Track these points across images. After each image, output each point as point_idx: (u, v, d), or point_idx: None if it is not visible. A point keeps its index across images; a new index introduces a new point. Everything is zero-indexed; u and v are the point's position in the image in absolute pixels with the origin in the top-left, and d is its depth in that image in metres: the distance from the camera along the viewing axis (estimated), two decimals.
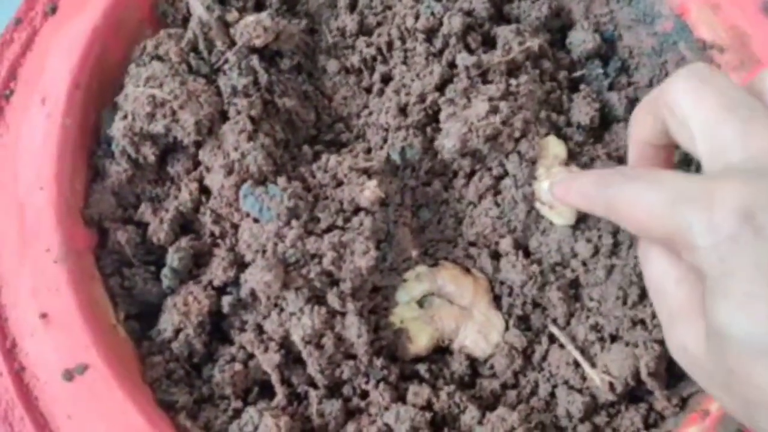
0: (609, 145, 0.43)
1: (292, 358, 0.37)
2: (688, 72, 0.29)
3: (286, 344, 0.37)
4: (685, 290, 0.29)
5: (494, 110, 0.38)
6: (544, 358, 0.39)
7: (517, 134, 0.39)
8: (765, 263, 0.23)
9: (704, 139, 0.27)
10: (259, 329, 0.37)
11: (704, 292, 0.25)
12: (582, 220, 0.40)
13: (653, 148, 0.33)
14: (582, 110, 0.42)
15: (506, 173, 0.40)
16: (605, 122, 0.45)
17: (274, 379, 0.36)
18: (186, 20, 0.42)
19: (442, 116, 0.40)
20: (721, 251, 0.24)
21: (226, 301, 0.37)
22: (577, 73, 0.45)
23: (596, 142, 0.43)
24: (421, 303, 0.40)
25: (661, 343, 0.37)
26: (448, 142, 0.39)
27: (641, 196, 0.28)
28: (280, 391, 0.36)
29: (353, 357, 0.37)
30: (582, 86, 0.44)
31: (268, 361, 0.36)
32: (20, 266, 0.35)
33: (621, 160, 0.42)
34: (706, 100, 0.27)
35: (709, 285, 0.25)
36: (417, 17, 0.43)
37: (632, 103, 0.45)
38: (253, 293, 0.36)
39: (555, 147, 0.40)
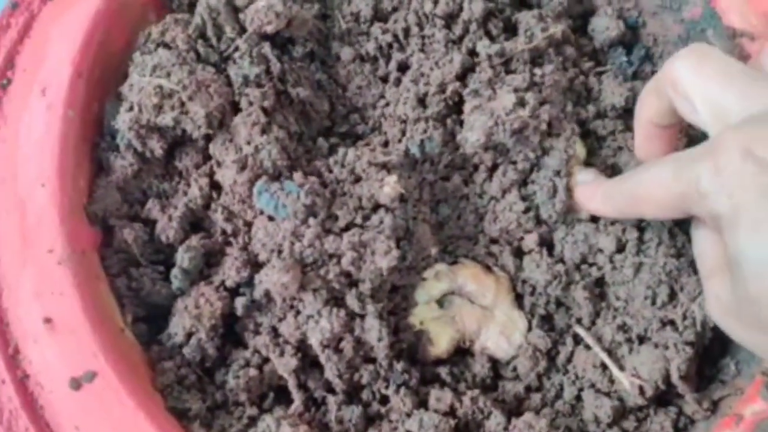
0: None
1: (308, 362, 0.35)
2: (687, 50, 0.31)
3: (302, 348, 0.35)
4: (718, 251, 0.31)
5: (521, 102, 0.37)
6: (569, 359, 0.38)
7: (543, 127, 0.37)
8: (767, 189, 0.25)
9: (706, 109, 0.29)
10: (275, 332, 0.35)
11: (723, 235, 0.27)
12: None
13: (658, 128, 0.35)
14: (615, 91, 0.41)
15: (534, 167, 0.38)
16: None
17: (291, 384, 0.35)
18: (193, 5, 0.40)
19: (466, 108, 0.38)
20: (728, 188, 0.26)
21: (240, 302, 0.35)
22: (602, 68, 0.43)
23: (626, 131, 0.41)
24: (440, 303, 0.39)
25: (692, 344, 0.36)
26: (471, 136, 0.37)
27: (654, 176, 0.31)
28: (297, 397, 0.35)
29: (373, 361, 0.35)
30: (608, 66, 0.43)
31: (285, 365, 0.34)
32: (22, 268, 0.33)
33: None
34: (706, 73, 0.29)
35: (725, 225, 0.27)
36: (436, 2, 0.41)
37: None
38: (268, 294, 0.34)
39: (579, 149, 0.39)
